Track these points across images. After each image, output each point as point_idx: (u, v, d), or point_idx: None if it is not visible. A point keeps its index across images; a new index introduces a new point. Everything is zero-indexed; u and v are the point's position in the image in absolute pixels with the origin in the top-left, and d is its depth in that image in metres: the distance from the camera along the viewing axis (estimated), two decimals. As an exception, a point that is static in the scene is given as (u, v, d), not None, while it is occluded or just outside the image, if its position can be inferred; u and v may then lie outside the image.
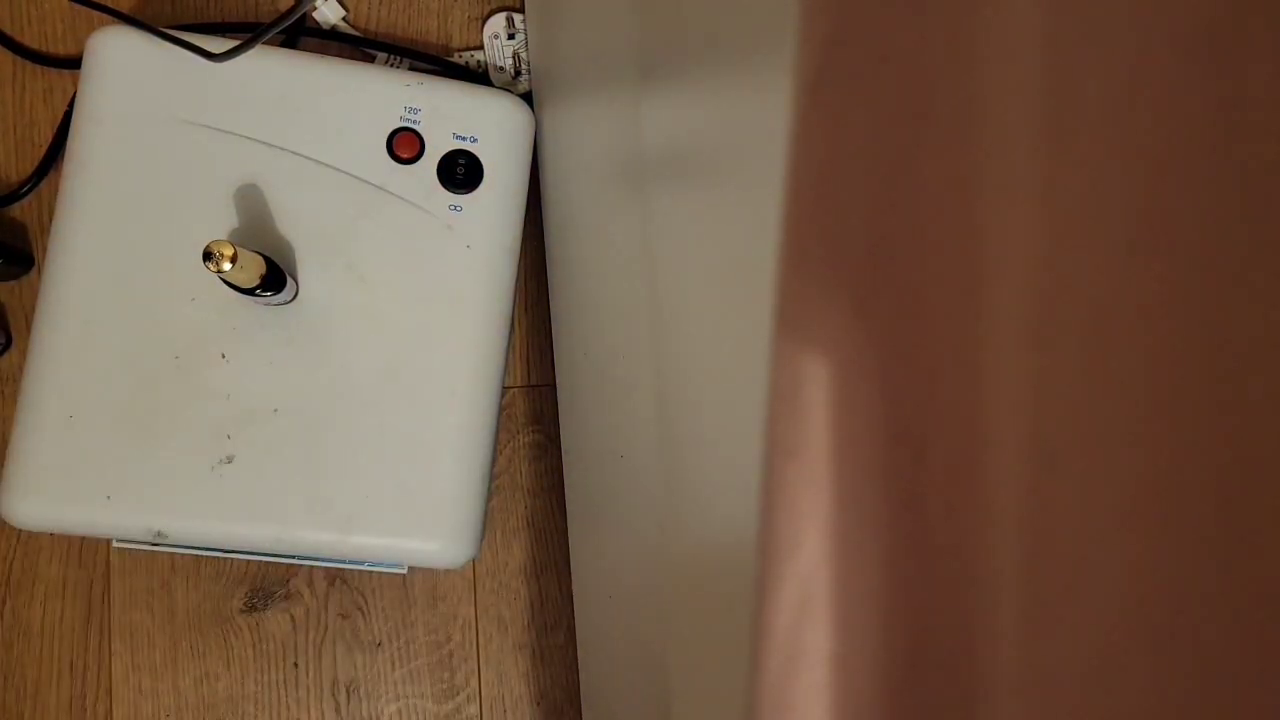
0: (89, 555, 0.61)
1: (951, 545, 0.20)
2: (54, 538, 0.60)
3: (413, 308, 0.56)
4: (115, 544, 0.60)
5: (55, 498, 0.52)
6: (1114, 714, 0.16)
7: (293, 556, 0.57)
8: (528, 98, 0.64)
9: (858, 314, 0.22)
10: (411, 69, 0.64)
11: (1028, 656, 0.18)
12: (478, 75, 0.66)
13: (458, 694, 0.63)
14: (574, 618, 0.64)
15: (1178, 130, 0.15)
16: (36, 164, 0.61)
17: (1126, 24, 0.17)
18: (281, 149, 0.56)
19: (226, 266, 0.46)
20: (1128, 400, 0.16)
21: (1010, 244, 0.18)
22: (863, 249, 0.22)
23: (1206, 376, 0.15)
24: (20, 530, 0.55)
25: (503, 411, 0.64)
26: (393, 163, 0.57)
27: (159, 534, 0.53)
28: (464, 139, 0.58)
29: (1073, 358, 0.17)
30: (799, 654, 0.23)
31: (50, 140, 0.61)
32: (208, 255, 0.46)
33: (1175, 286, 0.16)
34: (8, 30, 0.62)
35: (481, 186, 0.58)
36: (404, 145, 0.57)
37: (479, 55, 0.66)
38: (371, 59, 0.65)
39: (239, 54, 0.53)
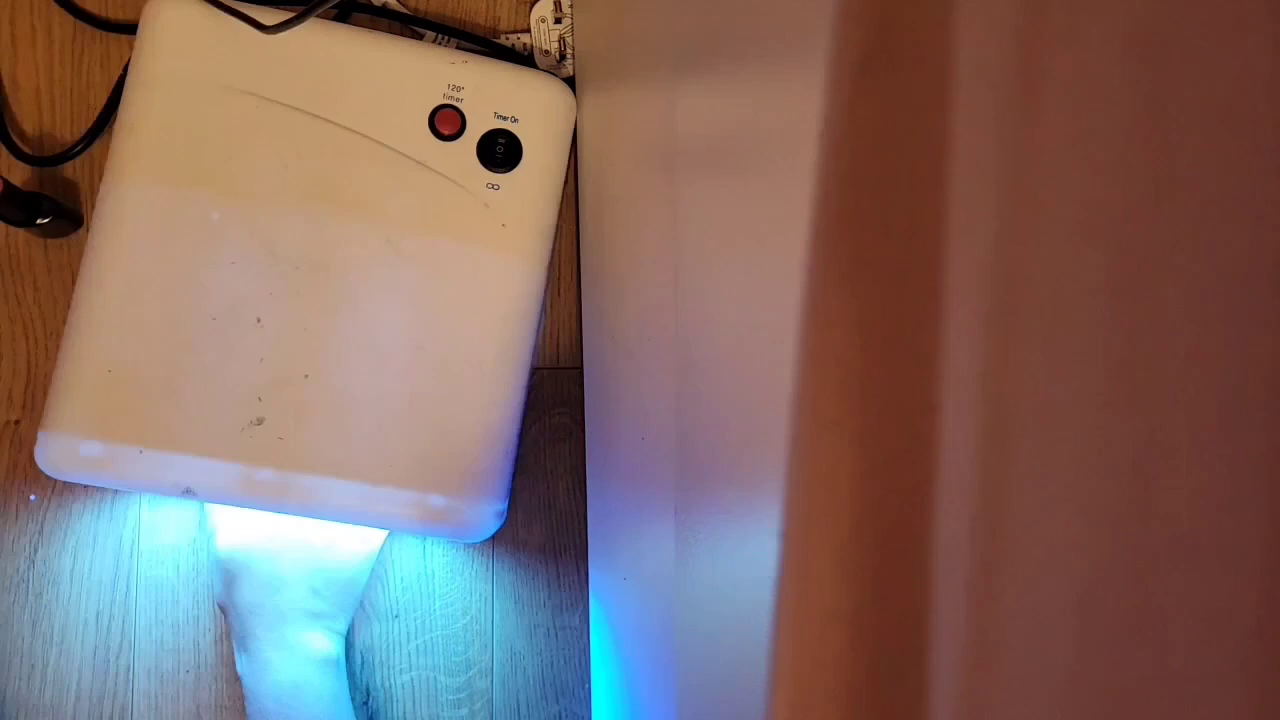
0: (120, 510, 0.62)
1: (966, 516, 0.21)
2: (87, 490, 0.62)
3: (446, 283, 0.57)
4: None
5: (89, 449, 0.54)
6: (1042, 680, 0.17)
7: (318, 520, 0.58)
8: (571, 82, 0.64)
9: (889, 290, 0.22)
10: (459, 49, 0.65)
11: (977, 624, 0.18)
12: (523, 57, 0.67)
13: (471, 668, 0.64)
14: (589, 600, 0.64)
15: (1115, 126, 0.16)
16: (90, 125, 0.62)
17: (1081, 26, 0.17)
18: (327, 120, 0.57)
19: None
20: (1076, 380, 0.17)
21: (982, 227, 0.19)
22: (898, 230, 0.23)
23: (1146, 358, 0.16)
24: (55, 480, 0.56)
25: (532, 392, 0.64)
26: (434, 139, 0.58)
27: (188, 491, 0.54)
28: (505, 119, 0.58)
29: (1029, 340, 0.18)
30: (832, 618, 0.23)
31: (104, 103, 0.63)
32: None
33: (1112, 271, 0.16)
34: (70, -6, 0.64)
35: (520, 167, 0.58)
36: (446, 122, 0.58)
37: (525, 38, 0.66)
38: (420, 37, 0.66)
39: (291, 26, 0.54)
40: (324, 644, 0.56)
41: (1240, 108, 0.15)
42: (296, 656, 0.55)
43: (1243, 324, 0.15)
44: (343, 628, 0.58)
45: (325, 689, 0.56)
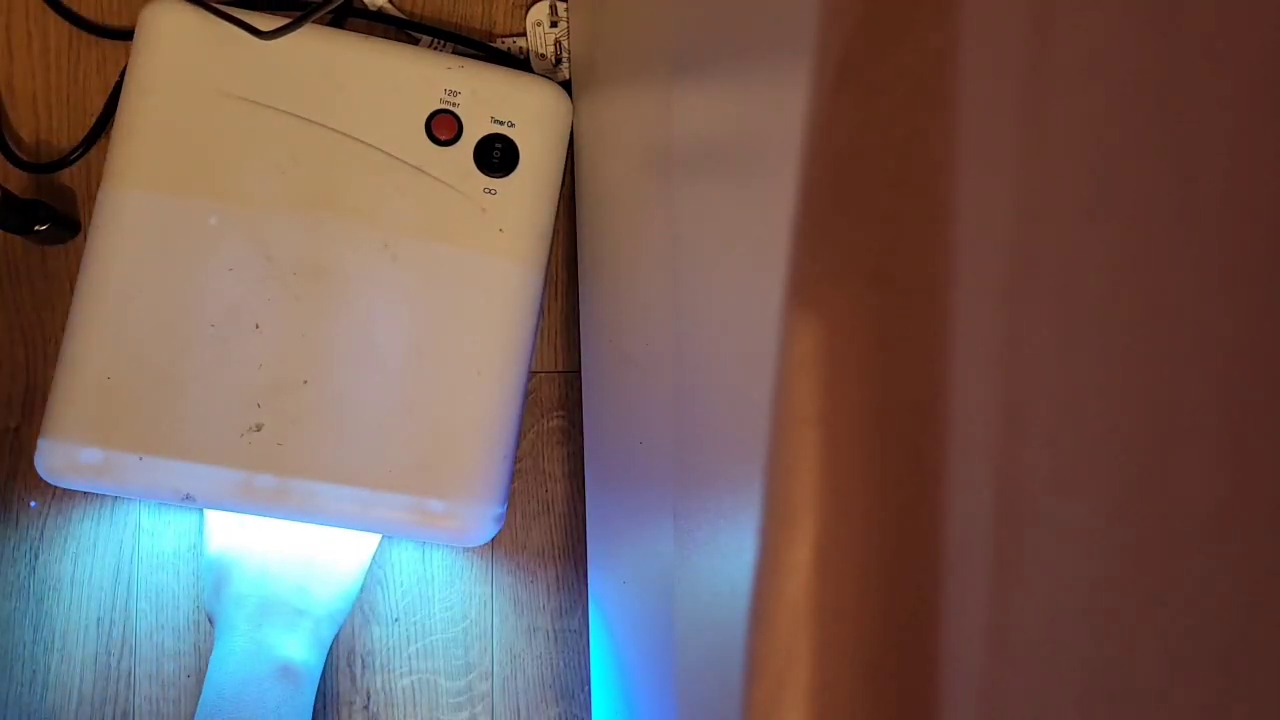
0: (120, 515, 0.63)
1: (955, 511, 0.21)
2: (86, 496, 0.62)
3: (444, 288, 0.57)
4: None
5: (89, 456, 0.54)
6: (1061, 674, 0.17)
7: (317, 526, 0.58)
8: (568, 86, 0.65)
9: (871, 285, 0.22)
10: (455, 53, 0.65)
11: (995, 617, 0.18)
12: (519, 61, 0.67)
13: (471, 671, 0.64)
14: (588, 603, 0.64)
15: (1126, 101, 0.16)
16: (87, 132, 0.62)
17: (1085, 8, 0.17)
18: (323, 126, 0.57)
19: None
20: (1093, 365, 0.17)
21: (993, 215, 0.19)
22: (877, 225, 0.22)
23: (1169, 342, 0.16)
24: (54, 486, 0.56)
25: (529, 395, 0.65)
26: (431, 144, 0.58)
27: (187, 497, 0.54)
28: (501, 123, 0.58)
29: (1043, 325, 0.17)
30: (811, 612, 0.23)
31: (101, 109, 0.63)
32: None
33: (1132, 250, 0.16)
34: (65, 0, 0.64)
35: (517, 171, 0.58)
36: (442, 127, 0.58)
37: (521, 42, 0.66)
38: (415, 41, 0.66)
39: (288, 32, 0.54)
40: (298, 650, 0.54)
41: (1264, 84, 0.15)
42: (264, 655, 0.53)
43: (1261, 309, 0.15)
44: (327, 634, 0.56)
45: (278, 698, 0.52)
